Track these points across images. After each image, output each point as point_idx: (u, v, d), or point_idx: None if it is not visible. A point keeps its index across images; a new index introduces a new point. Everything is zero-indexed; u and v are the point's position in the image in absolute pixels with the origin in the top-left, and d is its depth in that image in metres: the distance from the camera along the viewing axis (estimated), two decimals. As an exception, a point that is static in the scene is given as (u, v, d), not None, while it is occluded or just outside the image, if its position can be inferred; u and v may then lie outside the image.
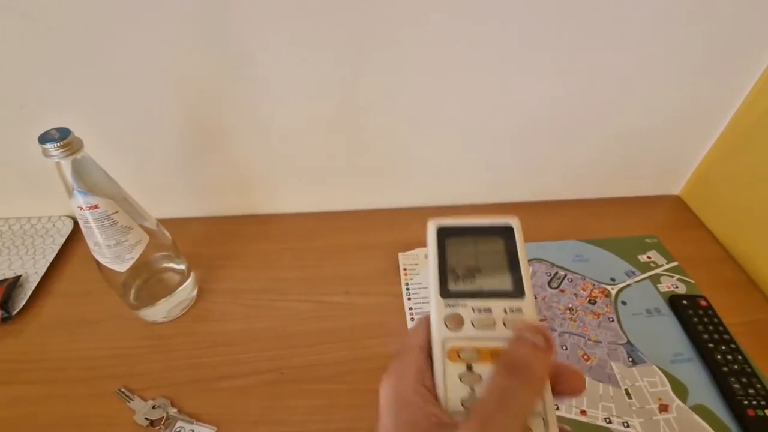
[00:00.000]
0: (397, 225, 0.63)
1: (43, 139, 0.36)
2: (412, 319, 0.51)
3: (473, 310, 0.22)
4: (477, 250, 0.24)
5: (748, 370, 0.45)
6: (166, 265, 0.50)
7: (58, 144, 0.35)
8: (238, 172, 0.60)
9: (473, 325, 0.21)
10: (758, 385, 0.44)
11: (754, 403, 0.42)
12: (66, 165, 0.37)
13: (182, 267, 0.51)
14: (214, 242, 0.61)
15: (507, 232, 0.24)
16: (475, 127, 0.57)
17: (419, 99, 0.54)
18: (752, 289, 0.54)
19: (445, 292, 0.22)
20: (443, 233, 0.24)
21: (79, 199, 0.38)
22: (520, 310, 0.21)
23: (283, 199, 0.65)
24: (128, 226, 0.41)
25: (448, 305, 0.22)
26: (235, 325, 0.51)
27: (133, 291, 0.48)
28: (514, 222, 0.24)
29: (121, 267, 0.43)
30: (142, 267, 0.47)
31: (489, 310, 0.21)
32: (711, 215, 0.63)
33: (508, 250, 0.23)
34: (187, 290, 0.52)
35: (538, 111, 0.56)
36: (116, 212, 0.40)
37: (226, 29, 0.46)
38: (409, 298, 0.54)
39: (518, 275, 0.22)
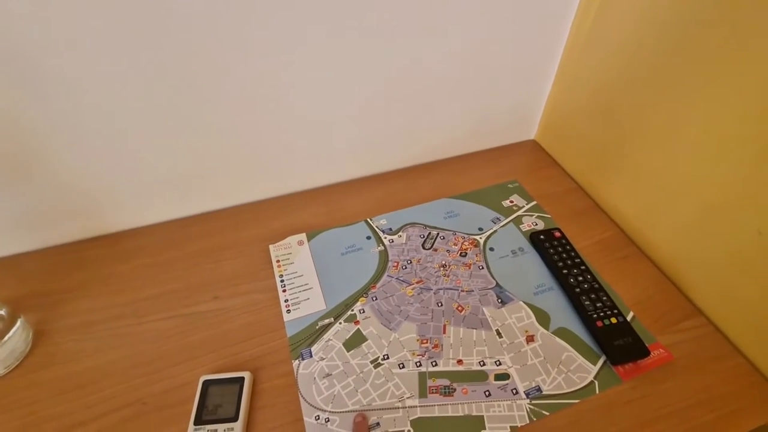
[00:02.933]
0: (264, 217, 0.60)
1: None
2: (288, 311, 0.49)
3: (208, 430, 0.39)
4: (222, 392, 0.41)
5: (596, 286, 0.49)
6: (-21, 315, 0.42)
7: None
8: (68, 193, 0.52)
9: None
10: (604, 298, 0.48)
11: (602, 314, 0.47)
12: None
13: (1, 313, 0.43)
14: (52, 276, 0.53)
15: (241, 380, 0.41)
16: (328, 106, 0.55)
17: (265, 84, 0.49)
18: (597, 213, 0.60)
19: (197, 421, 0.39)
20: (205, 383, 0.42)
21: None
22: (232, 428, 0.39)
23: (134, 212, 0.57)
24: None
25: (196, 430, 0.39)
26: (86, 363, 0.45)
27: (-61, 356, 0.40)
28: (246, 375, 0.42)
29: None
30: (-55, 325, 0.39)
31: (216, 429, 0.39)
32: (561, 153, 0.68)
33: (239, 392, 0.41)
34: (18, 337, 0.45)
35: (392, 81, 0.55)
36: None
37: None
38: (285, 290, 0.51)
39: (238, 407, 0.40)
